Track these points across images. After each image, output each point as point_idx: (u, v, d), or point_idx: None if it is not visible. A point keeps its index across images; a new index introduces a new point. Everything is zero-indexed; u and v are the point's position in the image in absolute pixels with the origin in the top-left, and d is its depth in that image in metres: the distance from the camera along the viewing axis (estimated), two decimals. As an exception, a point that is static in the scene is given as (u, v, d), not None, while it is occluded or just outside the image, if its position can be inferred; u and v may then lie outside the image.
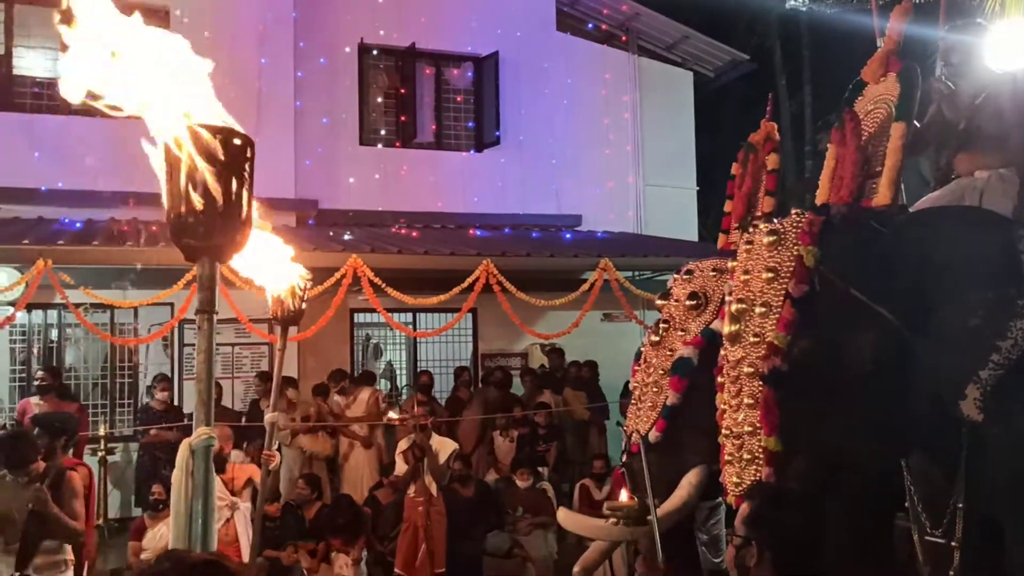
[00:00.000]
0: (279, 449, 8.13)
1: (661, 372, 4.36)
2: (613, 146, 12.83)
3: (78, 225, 9.47)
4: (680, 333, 4.37)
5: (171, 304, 9.16)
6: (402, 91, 12.11)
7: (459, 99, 12.60)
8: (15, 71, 10.55)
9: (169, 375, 10.08)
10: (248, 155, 2.46)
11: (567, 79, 12.65)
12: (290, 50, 11.00)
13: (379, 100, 12.22)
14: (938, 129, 4.58)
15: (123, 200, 10.22)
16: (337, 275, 7.79)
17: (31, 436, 5.17)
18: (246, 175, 2.46)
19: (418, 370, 11.10)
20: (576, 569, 4.50)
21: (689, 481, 4.13)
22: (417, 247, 9.10)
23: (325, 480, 8.77)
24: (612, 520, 4.18)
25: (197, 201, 2.32)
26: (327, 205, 11.33)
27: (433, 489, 7.12)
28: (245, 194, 2.44)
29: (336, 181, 11.45)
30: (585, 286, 8.71)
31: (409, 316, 11.36)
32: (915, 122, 4.19)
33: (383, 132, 12.17)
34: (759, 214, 4.35)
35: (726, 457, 3.80)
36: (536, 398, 9.91)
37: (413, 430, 7.27)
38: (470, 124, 12.55)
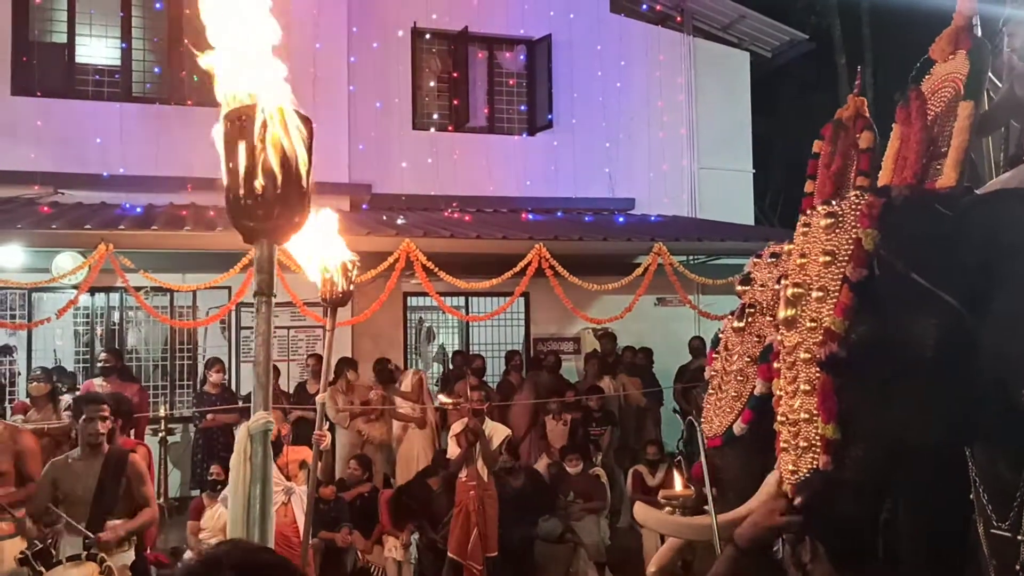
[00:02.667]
0: (331, 430, 8.27)
1: (748, 359, 4.19)
2: (667, 128, 12.67)
3: (138, 210, 9.65)
4: (769, 319, 4.22)
5: (228, 287, 9.30)
6: (455, 75, 12.11)
7: (512, 82, 12.55)
8: (77, 59, 10.77)
9: (225, 358, 10.28)
10: (309, 136, 2.46)
11: (621, 61, 12.51)
12: (344, 35, 11.05)
13: (432, 84, 12.23)
14: (1009, 108, 4.41)
15: (182, 185, 10.42)
16: (391, 259, 7.82)
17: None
18: (306, 156, 2.46)
19: (470, 353, 11.12)
20: (651, 569, 4.41)
21: (774, 480, 3.97)
22: (469, 231, 9.10)
23: (378, 463, 8.86)
24: (667, 509, 4.09)
25: (258, 183, 2.33)
26: (380, 189, 11.40)
27: (485, 474, 7.14)
28: (304, 175, 2.45)
29: (389, 165, 11.50)
30: (639, 270, 8.62)
31: (461, 300, 11.38)
32: (985, 102, 4.03)
33: (436, 116, 12.19)
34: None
35: (782, 444, 3.71)
36: (596, 383, 9.85)
37: (466, 414, 7.29)
38: (523, 107, 12.51)
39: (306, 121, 2.47)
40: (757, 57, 13.70)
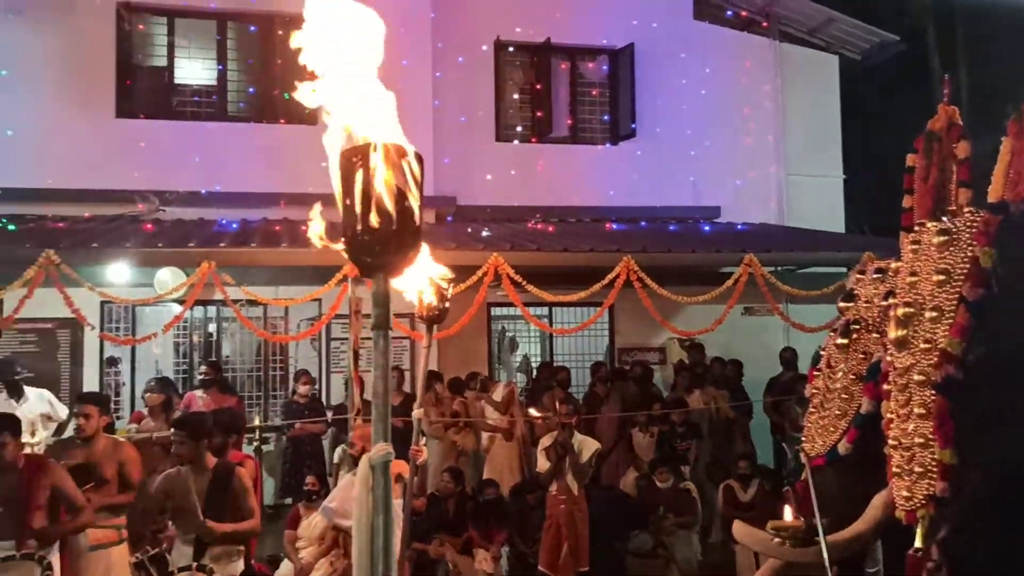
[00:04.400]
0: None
1: (852, 377, 4.10)
2: (753, 135, 12.48)
3: (234, 226, 9.96)
4: (875, 336, 4.10)
5: (319, 300, 9.51)
6: (538, 86, 12.17)
7: (594, 92, 12.55)
8: (176, 81, 11.18)
9: (315, 369, 10.51)
10: (420, 172, 2.52)
11: (705, 68, 12.38)
12: (428, 51, 11.22)
13: (515, 96, 12.32)
14: None
15: (274, 200, 10.73)
16: (479, 273, 7.89)
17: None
18: (417, 192, 2.52)
19: (555, 365, 11.13)
20: None
21: (881, 502, 3.81)
22: (555, 243, 9.11)
23: (467, 473, 8.93)
24: (776, 540, 3.99)
25: (374, 219, 2.39)
26: (465, 201, 11.51)
27: (575, 488, 7.13)
28: (416, 210, 2.50)
29: (473, 177, 11.61)
30: (729, 282, 8.50)
31: (544, 310, 11.41)
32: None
33: (519, 128, 12.26)
34: (953, 208, 4.01)
35: (894, 469, 3.63)
36: (685, 395, 9.75)
37: (555, 427, 7.30)
38: (605, 117, 12.49)
39: (417, 157, 2.53)
40: (846, 60, 13.39)
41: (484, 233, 9.62)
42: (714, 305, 9.10)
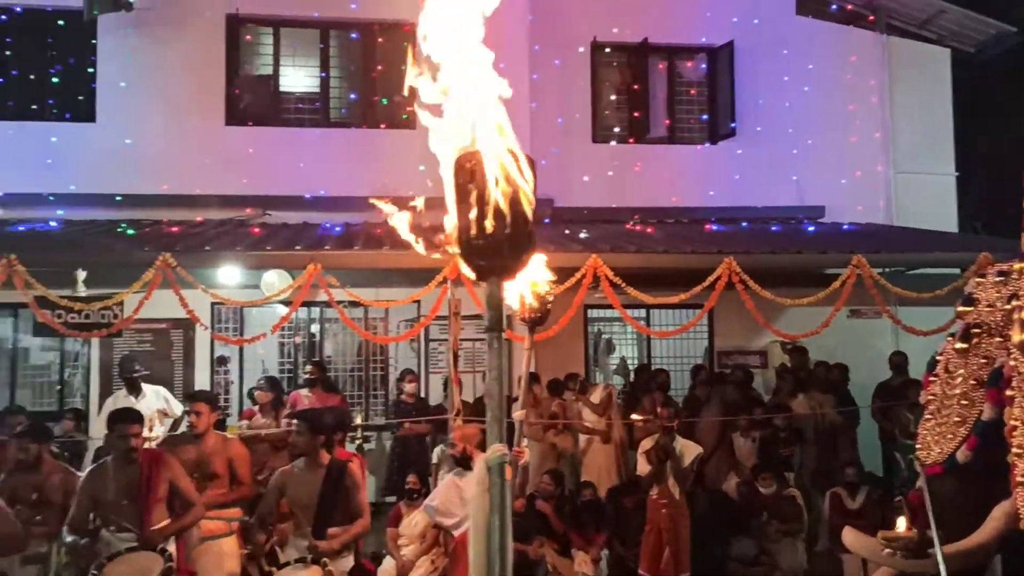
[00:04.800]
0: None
1: (973, 383, 3.94)
2: (859, 132, 12.09)
3: (337, 229, 10.20)
4: (998, 340, 3.93)
5: (418, 302, 9.66)
6: (635, 87, 12.08)
7: (693, 91, 12.38)
8: (281, 89, 11.53)
9: (416, 369, 10.68)
10: (533, 176, 2.53)
11: (808, 64, 12.07)
12: (525, 54, 11.26)
13: (612, 97, 12.25)
14: None
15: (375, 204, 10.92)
16: (578, 275, 7.88)
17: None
18: (531, 197, 2.53)
19: (652, 367, 11.02)
20: None
21: (1003, 513, 3.66)
22: (655, 245, 9.03)
23: (565, 474, 8.93)
24: (887, 551, 3.86)
25: (488, 223, 2.41)
26: (562, 203, 11.50)
27: (677, 492, 7.05)
28: (529, 214, 2.52)
29: (570, 179, 11.59)
30: (836, 283, 8.25)
31: (641, 312, 11.31)
32: None
33: (616, 129, 12.19)
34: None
35: (1018, 478, 3.47)
36: (788, 400, 9.52)
37: (656, 430, 7.23)
38: (704, 116, 12.31)
39: (529, 161, 2.54)
40: (959, 53, 12.84)
41: (582, 235, 9.60)
42: (817, 308, 8.85)
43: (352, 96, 11.63)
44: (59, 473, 6.13)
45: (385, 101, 11.36)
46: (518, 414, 5.00)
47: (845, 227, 11.36)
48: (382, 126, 11.31)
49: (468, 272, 2.63)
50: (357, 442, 9.53)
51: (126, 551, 5.01)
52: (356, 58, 11.62)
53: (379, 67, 11.45)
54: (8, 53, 11.04)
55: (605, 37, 11.93)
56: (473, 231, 2.45)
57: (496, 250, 2.42)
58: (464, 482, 6.40)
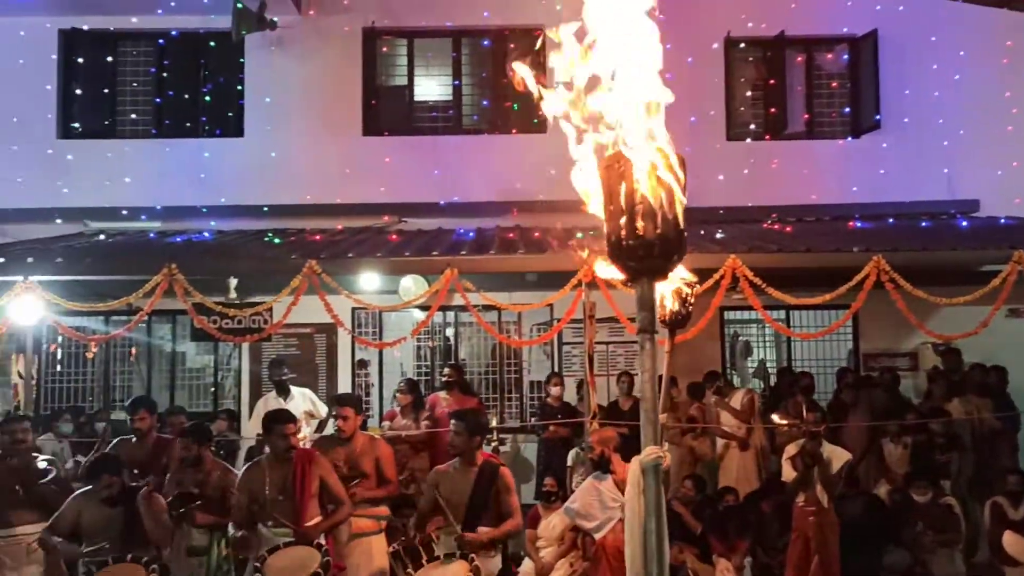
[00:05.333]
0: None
1: None
2: (1017, 122, 11.34)
3: (471, 235, 10.36)
4: None
5: (551, 305, 9.69)
6: (771, 81, 11.73)
7: (833, 84, 11.93)
8: (416, 98, 11.81)
9: (545, 373, 10.71)
10: (684, 175, 2.49)
11: (958, 51, 11.42)
12: (658, 53, 11.10)
13: (747, 93, 11.94)
14: None
15: (507, 209, 11.08)
16: (716, 276, 7.70)
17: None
18: (681, 196, 2.49)
19: (794, 370, 10.66)
20: None
21: None
22: (796, 243, 8.73)
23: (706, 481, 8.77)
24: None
25: (639, 224, 2.39)
26: (696, 203, 11.10)
27: (824, 499, 6.79)
28: (681, 214, 2.48)
29: (704, 178, 11.32)
30: (996, 281, 7.76)
31: (780, 314, 10.98)
32: None
33: (752, 125, 11.87)
34: None
35: None
36: (942, 404, 9.03)
37: (800, 435, 6.99)
38: (846, 110, 11.83)
39: (680, 161, 2.50)
40: None
41: (718, 235, 9.39)
42: (971, 307, 8.34)
43: (484, 103, 11.79)
44: (218, 471, 6.48)
45: (516, 106, 11.46)
46: (661, 418, 4.95)
47: (1003, 221, 10.69)
48: (513, 131, 11.42)
49: (617, 274, 2.61)
50: (493, 444, 9.65)
51: (285, 545, 5.23)
52: (487, 65, 11.78)
53: (511, 73, 11.54)
54: (165, 75, 11.75)
55: (739, 32, 11.65)
56: (623, 233, 2.43)
57: (647, 251, 2.40)
58: (603, 485, 6.38)
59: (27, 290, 7.62)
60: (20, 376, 8.38)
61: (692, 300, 4.54)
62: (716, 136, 11.60)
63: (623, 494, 6.39)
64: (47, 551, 5.74)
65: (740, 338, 13.03)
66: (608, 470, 6.36)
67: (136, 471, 6.55)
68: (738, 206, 11.17)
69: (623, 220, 2.41)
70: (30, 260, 8.17)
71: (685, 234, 2.49)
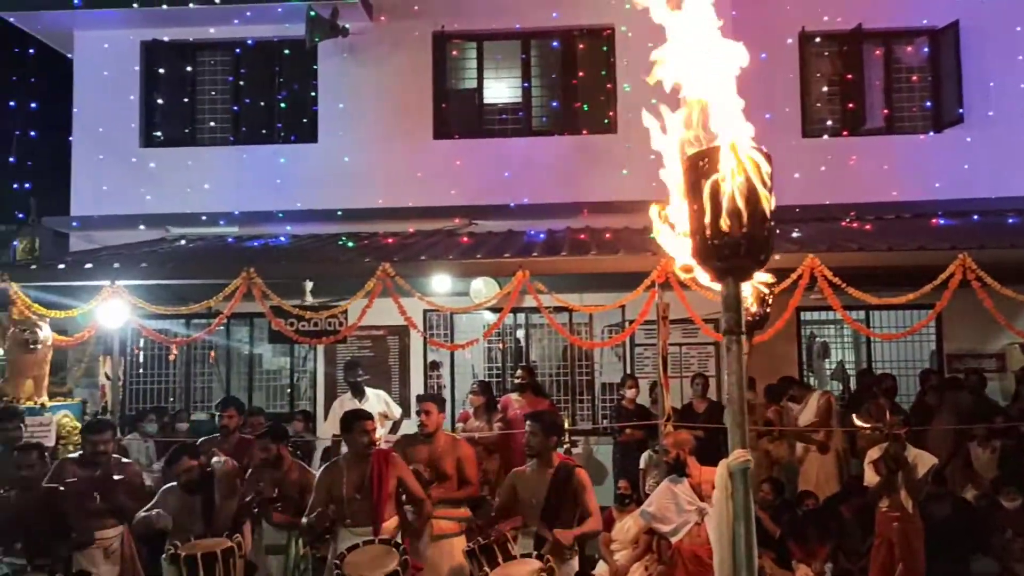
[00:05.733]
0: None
1: None
2: (1109, 111, 10.87)
3: (541, 236, 10.34)
4: None
5: (623, 307, 9.60)
6: (848, 76, 11.45)
7: (913, 78, 11.59)
8: (485, 101, 11.86)
9: (618, 375, 10.63)
10: (770, 172, 2.44)
11: (1047, 40, 10.99)
12: (739, 48, 10.92)
13: (823, 89, 11.67)
14: None
15: (577, 210, 11.03)
16: (793, 276, 7.54)
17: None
18: (768, 194, 2.44)
19: (875, 372, 10.38)
20: None
21: None
22: (878, 242, 8.49)
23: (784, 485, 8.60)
24: None
25: (724, 223, 2.34)
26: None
27: (909, 505, 6.59)
28: (768, 212, 2.43)
29: (780, 176, 10.93)
30: (1092, 279, 7.45)
31: (860, 314, 10.69)
32: None
33: (828, 122, 11.60)
34: None
35: None
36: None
37: (882, 439, 6.80)
38: (927, 104, 11.48)
39: (766, 157, 2.45)
40: None
41: (795, 234, 9.20)
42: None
43: (553, 104, 11.77)
44: (296, 470, 6.60)
45: (587, 107, 11.42)
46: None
47: (1096, 216, 10.25)
48: (584, 132, 11.38)
49: (702, 274, 2.57)
50: (565, 446, 9.62)
51: (364, 544, 5.29)
52: (557, 66, 11.76)
53: (580, 73, 11.53)
54: (242, 83, 12.03)
55: (814, 26, 11.40)
56: (708, 231, 2.39)
57: (733, 250, 2.36)
58: (679, 488, 6.29)
59: (114, 294, 7.88)
60: (107, 377, 8.67)
61: (771, 301, 4.46)
62: (791, 133, 11.37)
63: (699, 497, 6.34)
64: (153, 528, 5.88)
65: (817, 339, 12.75)
66: (684, 473, 6.28)
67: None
68: (815, 204, 10.90)
69: (708, 218, 2.37)
70: (116, 265, 8.44)
71: (772, 232, 2.44)
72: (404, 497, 5.84)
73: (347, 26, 11.17)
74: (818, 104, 11.70)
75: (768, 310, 4.40)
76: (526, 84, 11.78)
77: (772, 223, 2.39)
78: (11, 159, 12.92)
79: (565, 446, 9.55)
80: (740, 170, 2.34)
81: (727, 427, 2.42)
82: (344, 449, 6.89)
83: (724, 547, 2.18)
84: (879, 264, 8.09)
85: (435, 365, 11.50)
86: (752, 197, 2.34)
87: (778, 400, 9.11)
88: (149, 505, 5.93)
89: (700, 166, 2.41)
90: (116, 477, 6.29)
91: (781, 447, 8.85)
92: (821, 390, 9.43)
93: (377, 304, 7.96)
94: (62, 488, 5.90)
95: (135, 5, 11.35)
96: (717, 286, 2.52)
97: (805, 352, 11.90)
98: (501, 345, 11.73)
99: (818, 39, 11.58)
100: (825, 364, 12.71)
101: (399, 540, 5.45)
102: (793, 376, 9.86)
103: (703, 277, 2.69)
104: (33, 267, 9.30)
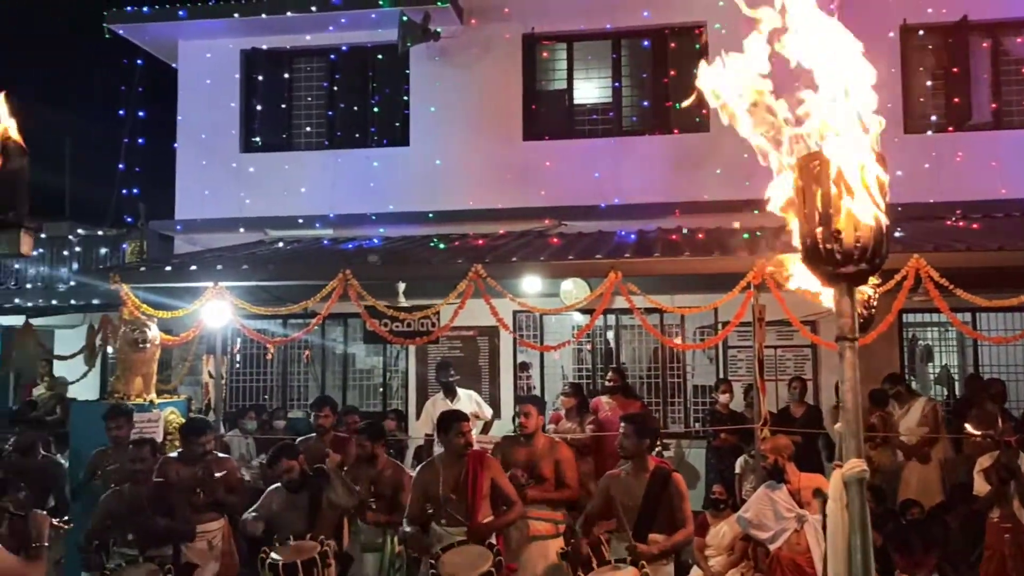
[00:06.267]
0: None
1: None
2: None
3: (632, 237, 10.26)
4: None
5: (715, 308, 9.44)
6: (953, 70, 11.02)
7: (1023, 71, 11.07)
8: (575, 101, 11.84)
9: (711, 378, 10.46)
10: (886, 175, 2.37)
11: None
12: (853, 43, 10.63)
13: (926, 83, 11.25)
14: None
15: (669, 210, 10.90)
16: (898, 277, 7.29)
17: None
18: (883, 197, 2.37)
19: (982, 377, 9.96)
20: None
21: None
22: (988, 242, 8.15)
23: (885, 491, 8.33)
24: None
25: (837, 227, 2.28)
26: (872, 202, 10.73)
27: (1022, 516, 6.30)
28: (883, 215, 2.35)
29: (883, 174, 10.78)
30: None
31: (965, 316, 10.26)
32: None
33: (932, 117, 11.18)
34: None
35: None
36: None
37: (995, 447, 6.52)
38: (1039, 97, 10.97)
39: (880, 159, 2.38)
40: None
41: (898, 233, 8.89)
42: None
43: (644, 103, 11.67)
44: (390, 469, 6.69)
45: (679, 106, 11.28)
46: (837, 426, 4.74)
47: None
48: (675, 131, 11.25)
49: (810, 278, 2.51)
50: (656, 449, 9.51)
51: (458, 544, 5.35)
52: (647, 65, 11.66)
53: (671, 72, 11.40)
54: (336, 88, 12.31)
55: (916, 19, 11.00)
56: (820, 236, 2.33)
57: (847, 255, 2.29)
58: (777, 495, 6.17)
59: (217, 295, 8.16)
60: (210, 376, 8.97)
61: (875, 303, 4.33)
62: (893, 129, 10.93)
63: (798, 504, 6.19)
64: (246, 533, 6.06)
65: (920, 342, 12.30)
66: (782, 479, 6.15)
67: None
68: (919, 202, 10.51)
69: (819, 223, 2.31)
70: (220, 267, 8.73)
71: (887, 236, 2.37)
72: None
73: (439, 30, 11.30)
74: (921, 99, 11.28)
75: (873, 312, 4.28)
76: (616, 84, 11.71)
77: (887, 226, 2.31)
78: (120, 166, 13.46)
79: (656, 449, 9.44)
80: (855, 171, 2.27)
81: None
82: (437, 449, 6.98)
83: (839, 559, 2.12)
84: (988, 264, 7.76)
85: (524, 366, 11.53)
86: (867, 200, 2.27)
87: (883, 405, 8.81)
88: (255, 506, 6.08)
89: (811, 168, 2.35)
90: (217, 474, 6.50)
91: (885, 454, 8.56)
92: (927, 396, 9.09)
93: (467, 305, 8.03)
94: (170, 483, 6.12)
95: (236, 15, 11.74)
96: (828, 291, 2.46)
97: (907, 356, 11.50)
98: (590, 347, 11.68)
99: (921, 32, 11.17)
100: (928, 368, 12.25)
101: (493, 541, 5.48)
102: (897, 377, 9.51)
103: (810, 280, 2.62)
104: (142, 269, 9.69)
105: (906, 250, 7.58)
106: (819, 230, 2.29)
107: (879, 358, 10.00)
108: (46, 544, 3.61)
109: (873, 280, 4.08)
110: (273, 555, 5.48)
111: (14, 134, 3.02)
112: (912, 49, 11.22)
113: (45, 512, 3.81)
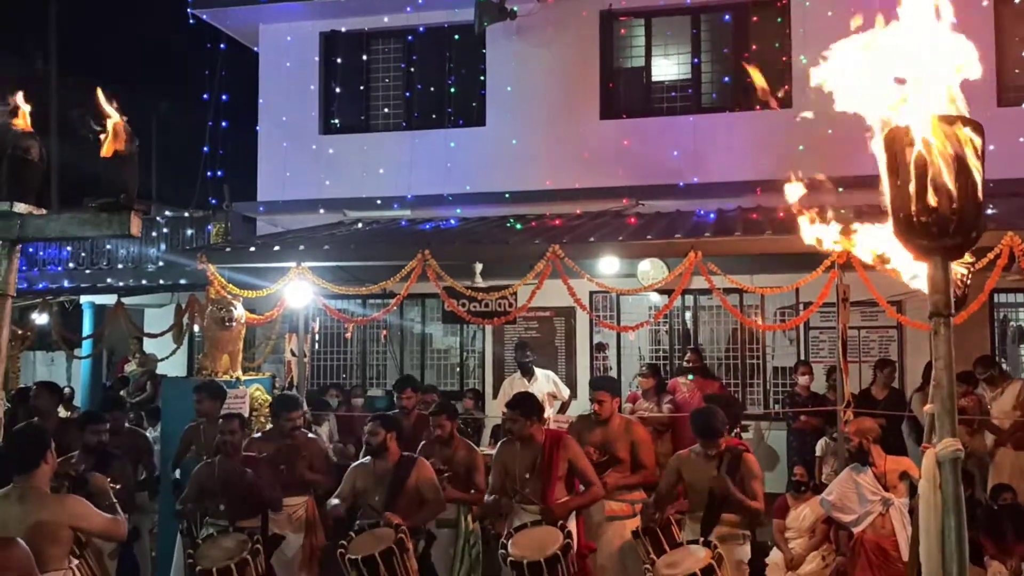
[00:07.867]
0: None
1: None
2: None
3: (712, 216, 10.10)
4: None
5: (796, 288, 9.24)
6: (1051, 38, 10.51)
7: None
8: (653, 79, 11.68)
9: (791, 359, 10.25)
10: (981, 145, 2.28)
11: None
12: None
13: (1022, 54, 10.74)
14: None
15: (748, 189, 10.66)
16: (991, 255, 7.03)
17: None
18: (979, 166, 2.29)
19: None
20: None
21: None
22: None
23: (976, 476, 8.10)
24: None
25: (931, 198, 2.21)
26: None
27: (1123, 506, 6.04)
28: (980, 185, 2.27)
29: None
30: None
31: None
32: None
33: (1028, 86, 10.69)
34: None
35: None
36: None
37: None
38: None
39: (976, 128, 2.29)
40: None
41: (990, 210, 8.55)
42: None
43: (724, 79, 11.44)
44: (463, 448, 6.74)
45: (761, 81, 11.01)
46: (927, 407, 4.60)
47: None
48: (756, 108, 11.01)
49: (905, 252, 2.43)
50: (735, 431, 9.40)
51: (531, 524, 5.38)
52: (728, 41, 11.41)
53: (753, 47, 11.14)
54: (413, 69, 12.39)
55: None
56: (913, 207, 2.26)
57: (942, 228, 2.22)
58: (862, 478, 6.05)
59: (299, 275, 8.34)
60: (293, 354, 9.18)
61: (968, 282, 4.19)
62: (986, 102, 10.50)
63: (883, 487, 6.05)
64: (332, 515, 6.18)
65: (1012, 323, 11.85)
66: (867, 462, 6.03)
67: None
68: (1013, 178, 10.06)
69: (912, 195, 2.24)
70: (302, 248, 8.92)
71: (983, 209, 2.28)
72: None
73: (515, 8, 11.25)
74: (1016, 70, 10.77)
75: (967, 291, 4.14)
76: (696, 60, 11.49)
77: (984, 198, 2.22)
78: (204, 148, 13.82)
79: (735, 431, 9.33)
80: (950, 142, 2.19)
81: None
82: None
83: (932, 541, 2.07)
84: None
85: (601, 347, 11.50)
86: (963, 171, 2.19)
87: (974, 387, 8.53)
88: (337, 491, 6.13)
89: (903, 138, 2.27)
90: (303, 453, 6.65)
91: (976, 438, 8.29)
92: (1022, 379, 8.75)
93: (544, 285, 8.03)
94: (258, 456, 6.30)
95: (315, -2, 11.91)
96: (921, 266, 2.38)
97: (999, 337, 11.09)
98: (667, 328, 11.58)
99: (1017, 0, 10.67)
100: (1021, 350, 11.79)
101: (569, 522, 5.48)
102: (989, 357, 9.18)
103: (902, 257, 2.54)
104: (227, 250, 9.96)
105: (1000, 227, 7.32)
106: (912, 202, 2.21)
107: (970, 339, 9.66)
108: (115, 501, 4.37)
109: (967, 258, 3.95)
110: (350, 554, 5.32)
111: (124, 123, 3.15)
112: (1007, 17, 10.71)
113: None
